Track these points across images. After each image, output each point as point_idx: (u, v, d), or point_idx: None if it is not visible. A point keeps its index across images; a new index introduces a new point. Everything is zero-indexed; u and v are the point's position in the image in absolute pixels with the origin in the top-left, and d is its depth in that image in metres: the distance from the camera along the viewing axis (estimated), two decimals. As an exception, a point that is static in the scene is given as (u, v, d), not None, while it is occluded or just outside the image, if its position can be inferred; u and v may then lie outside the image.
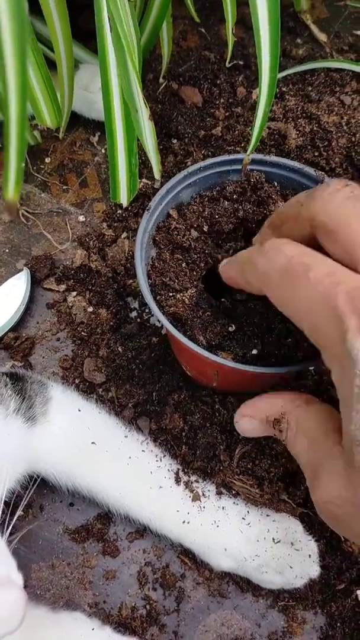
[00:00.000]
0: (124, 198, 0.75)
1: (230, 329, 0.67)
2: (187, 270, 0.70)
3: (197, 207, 0.72)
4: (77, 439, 0.74)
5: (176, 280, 0.68)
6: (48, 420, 0.73)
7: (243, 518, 0.73)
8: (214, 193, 0.73)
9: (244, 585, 0.76)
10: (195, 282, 0.70)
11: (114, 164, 0.72)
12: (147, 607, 0.75)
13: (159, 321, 0.89)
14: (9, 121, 0.51)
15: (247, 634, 0.74)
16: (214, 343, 0.66)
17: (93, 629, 0.69)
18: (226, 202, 0.72)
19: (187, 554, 0.77)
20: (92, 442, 0.74)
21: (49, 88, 0.74)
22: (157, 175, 0.71)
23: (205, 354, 0.63)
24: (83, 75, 0.94)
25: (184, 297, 0.67)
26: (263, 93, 0.62)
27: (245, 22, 1.04)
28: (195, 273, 0.71)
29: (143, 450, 0.76)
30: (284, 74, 0.99)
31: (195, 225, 0.72)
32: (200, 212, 0.72)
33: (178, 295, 0.67)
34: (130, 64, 0.62)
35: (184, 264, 0.71)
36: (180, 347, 0.75)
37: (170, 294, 0.68)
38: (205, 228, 0.72)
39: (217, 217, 0.72)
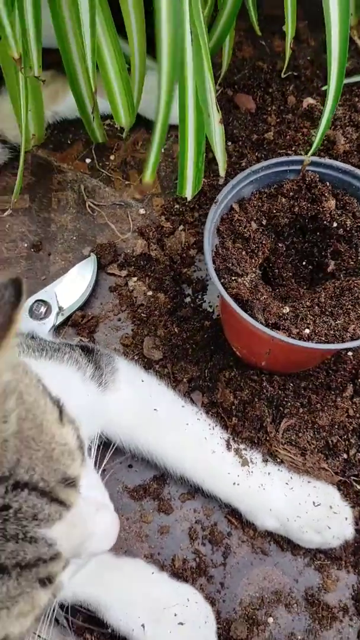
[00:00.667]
0: (189, 192, 0.84)
1: (284, 310, 0.76)
2: (247, 258, 0.79)
3: (257, 202, 0.81)
4: (141, 405, 0.83)
5: (238, 266, 0.77)
6: (116, 388, 0.82)
7: (286, 483, 0.82)
8: (272, 190, 0.82)
9: (284, 544, 0.84)
10: (254, 269, 0.79)
11: (183, 160, 0.81)
12: (197, 560, 0.84)
13: (210, 307, 0.98)
14: (157, 128, 0.62)
15: (286, 588, 0.83)
16: (270, 322, 0.74)
17: (153, 573, 0.78)
18: (283, 199, 0.80)
19: (233, 515, 0.85)
20: (154, 409, 0.83)
21: (127, 91, 0.83)
22: (222, 173, 0.80)
23: (266, 330, 0.71)
24: (149, 80, 1.03)
25: (244, 281, 0.76)
26: (330, 95, 0.70)
27: (298, 36, 1.13)
28: (254, 261, 0.79)
29: (198, 419, 0.84)
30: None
31: (255, 218, 0.80)
32: (259, 207, 0.81)
33: (240, 279, 0.76)
34: (207, 72, 0.71)
35: (243, 252, 0.79)
36: (236, 327, 0.84)
37: (233, 278, 0.76)
38: (264, 221, 0.81)
39: (274, 211, 0.80)
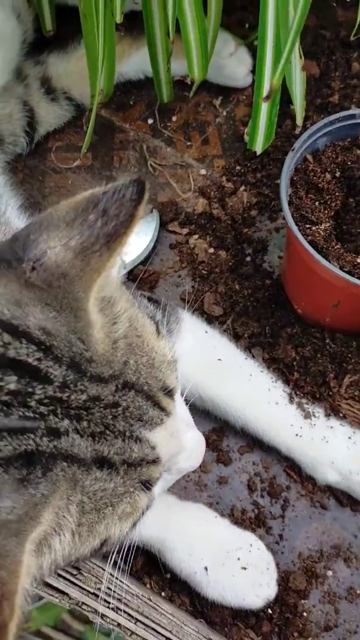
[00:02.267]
0: (259, 146, 0.84)
1: (359, 260, 0.76)
2: (321, 208, 0.79)
3: (331, 154, 0.81)
4: (206, 354, 0.83)
5: (312, 214, 0.77)
6: (181, 337, 0.82)
7: (349, 437, 0.81)
8: (347, 143, 0.82)
9: (344, 499, 0.84)
10: (327, 219, 0.79)
11: (256, 111, 0.81)
12: (256, 511, 0.84)
13: (270, 267, 0.98)
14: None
15: (345, 543, 0.82)
16: (345, 270, 0.74)
17: (216, 517, 0.78)
18: (358, 151, 0.80)
19: (293, 468, 0.85)
20: (219, 359, 0.83)
21: (203, 43, 0.84)
22: (299, 121, 0.80)
23: (344, 275, 0.71)
24: (216, 42, 1.03)
25: (319, 229, 0.76)
26: None
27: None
28: (327, 211, 0.80)
29: (261, 371, 0.84)
30: None
31: (329, 170, 0.80)
32: (333, 159, 0.81)
33: (314, 227, 0.76)
34: (292, 10, 0.70)
35: (317, 203, 0.79)
36: (304, 279, 0.84)
37: (307, 226, 0.76)
38: (338, 173, 0.81)
39: (349, 163, 0.80)
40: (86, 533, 0.45)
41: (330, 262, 0.74)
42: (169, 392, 0.51)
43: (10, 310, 0.43)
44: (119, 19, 0.78)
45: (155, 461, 0.48)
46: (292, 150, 0.77)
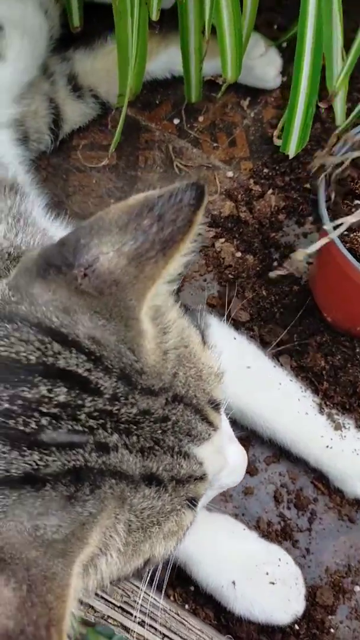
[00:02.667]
0: (292, 149, 0.82)
1: None
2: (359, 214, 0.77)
3: (369, 159, 0.79)
4: (234, 361, 0.80)
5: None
6: (210, 344, 0.80)
7: (380, 450, 0.79)
8: (385, 149, 0.79)
9: (373, 514, 0.82)
10: (365, 225, 0.77)
11: (291, 113, 0.79)
12: (282, 523, 0.82)
13: (298, 272, 0.96)
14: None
15: (373, 558, 0.80)
16: (383, 278, 0.72)
17: (244, 529, 0.76)
18: None
19: (320, 480, 0.83)
20: (248, 367, 0.81)
21: (239, 43, 0.82)
22: (339, 121, 0.78)
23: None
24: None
25: (357, 236, 0.74)
26: None
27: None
28: (364, 218, 0.77)
29: (291, 380, 0.82)
30: None
31: (366, 175, 0.78)
32: (371, 164, 0.79)
33: (352, 235, 0.74)
34: (336, 15, 0.68)
35: (353, 209, 0.77)
36: (338, 286, 0.82)
37: (345, 232, 0.74)
38: (375, 179, 0.79)
39: (387, 169, 0.78)
40: (131, 552, 0.43)
41: (368, 270, 0.72)
42: (216, 406, 0.49)
43: (59, 317, 0.41)
44: (155, 16, 0.76)
45: (202, 477, 0.46)
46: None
